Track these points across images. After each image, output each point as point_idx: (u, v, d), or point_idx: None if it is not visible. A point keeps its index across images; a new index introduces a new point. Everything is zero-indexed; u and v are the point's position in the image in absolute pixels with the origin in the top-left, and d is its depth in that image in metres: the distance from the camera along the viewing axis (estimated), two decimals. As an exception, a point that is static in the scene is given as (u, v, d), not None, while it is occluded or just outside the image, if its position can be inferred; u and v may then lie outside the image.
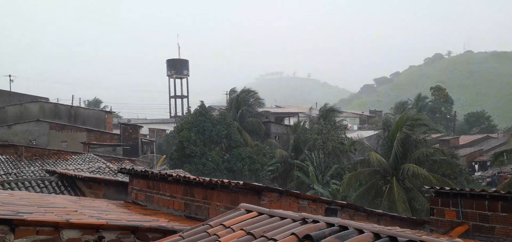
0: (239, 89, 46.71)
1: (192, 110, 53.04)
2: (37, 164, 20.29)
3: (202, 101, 35.41)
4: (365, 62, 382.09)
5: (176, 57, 78.31)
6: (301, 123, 39.39)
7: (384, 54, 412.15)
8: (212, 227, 3.91)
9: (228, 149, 32.87)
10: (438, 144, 35.49)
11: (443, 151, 25.56)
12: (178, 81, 76.96)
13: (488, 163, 39.25)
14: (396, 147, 22.39)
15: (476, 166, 42.18)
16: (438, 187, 6.26)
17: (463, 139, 50.87)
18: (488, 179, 36.20)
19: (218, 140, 32.56)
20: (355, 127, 67.39)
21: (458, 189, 6.10)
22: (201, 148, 30.94)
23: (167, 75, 77.53)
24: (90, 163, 20.23)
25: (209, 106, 41.17)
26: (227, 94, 47.85)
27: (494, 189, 7.54)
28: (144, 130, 47.48)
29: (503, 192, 5.52)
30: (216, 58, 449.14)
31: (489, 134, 55.86)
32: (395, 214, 9.53)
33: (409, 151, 23.15)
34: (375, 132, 27.00)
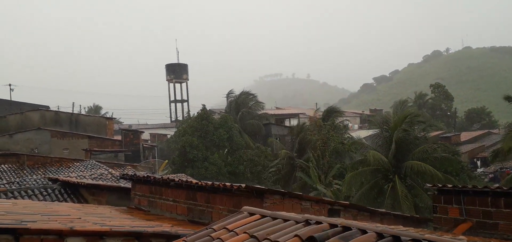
0: (238, 92, 46.82)
1: (192, 114, 53.15)
2: (39, 172, 20.26)
3: (204, 105, 35.50)
4: (364, 62, 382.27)
5: (175, 61, 78.61)
6: (304, 124, 39.42)
7: (382, 52, 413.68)
8: (216, 231, 3.91)
9: (230, 152, 32.93)
10: (439, 142, 35.49)
11: (446, 145, 25.48)
12: (177, 85, 77.08)
13: (490, 159, 39.28)
14: (396, 144, 22.35)
15: (478, 163, 42.14)
16: (440, 185, 6.26)
17: (464, 136, 50.79)
18: (490, 175, 36.16)
19: (220, 143, 32.58)
20: (356, 127, 67.30)
21: (460, 186, 6.09)
22: (203, 152, 30.96)
23: (166, 80, 77.63)
24: (92, 170, 20.21)
25: (209, 110, 41.30)
26: (226, 97, 47.96)
27: (497, 185, 7.52)
28: (145, 136, 47.51)
29: (505, 188, 5.52)
30: (215, 62, 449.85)
31: (490, 130, 55.80)
32: (398, 212, 9.52)
33: (409, 149, 23.08)
34: (375, 131, 26.94)
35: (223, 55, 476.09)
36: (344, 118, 47.88)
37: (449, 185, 6.26)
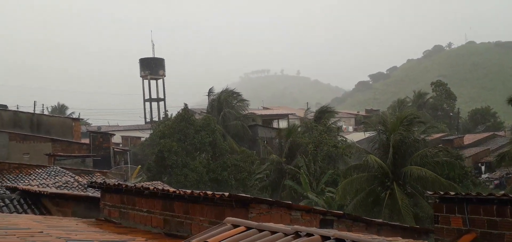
0: (221, 89, 46.69)
1: (169, 114, 52.72)
2: (-5, 180, 19.88)
3: (186, 104, 35.31)
4: (359, 57, 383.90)
5: (151, 55, 78.05)
6: (294, 126, 39.59)
7: (379, 48, 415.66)
8: (195, 245, 3.88)
9: (213, 157, 32.93)
10: (441, 145, 36.01)
11: (447, 149, 25.84)
12: (153, 82, 76.62)
13: (495, 164, 40.03)
14: (394, 148, 22.51)
15: (483, 168, 42.86)
16: (442, 192, 6.34)
17: (468, 138, 51.61)
18: (496, 182, 36.84)
19: (202, 147, 32.50)
20: (351, 129, 67.90)
21: (463, 193, 6.18)
22: (183, 157, 30.86)
23: (140, 76, 77.11)
24: (57, 178, 19.91)
25: (189, 110, 41.12)
26: (207, 95, 47.87)
27: (503, 192, 7.65)
28: (117, 138, 47.13)
29: (512, 195, 5.61)
30: (196, 56, 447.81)
31: (495, 132, 56.75)
32: (396, 223, 9.62)
33: (408, 153, 23.37)
34: (371, 134, 27.20)
35: (204, 49, 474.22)
36: (338, 119, 48.36)
37: (452, 193, 6.34)
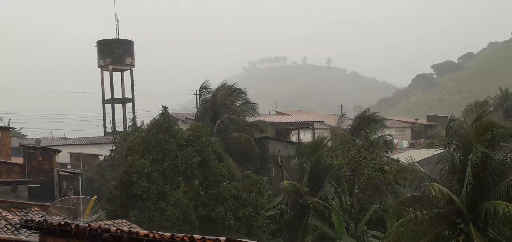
0: (216, 85, 46.45)
1: (141, 122, 52.62)
2: None
3: (165, 107, 35.26)
4: (418, 40, 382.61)
5: (114, 36, 77.55)
6: (322, 140, 39.32)
7: (447, 27, 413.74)
8: None
9: (204, 185, 32.77)
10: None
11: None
12: (117, 75, 76.32)
13: None
14: (471, 174, 22.20)
15: None
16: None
17: None
18: None
19: (187, 171, 32.42)
20: (405, 144, 67.41)
21: None
22: (160, 184, 30.85)
23: (98, 66, 76.63)
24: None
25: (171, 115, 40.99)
26: (196, 94, 47.70)
27: None
28: (63, 157, 47.07)
29: None
30: (179, 38, 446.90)
31: None
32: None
33: (491, 181, 23.08)
34: (437, 151, 27.02)
35: (192, 28, 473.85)
36: (386, 130, 48.05)
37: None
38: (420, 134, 76.87)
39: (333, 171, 34.33)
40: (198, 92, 47.62)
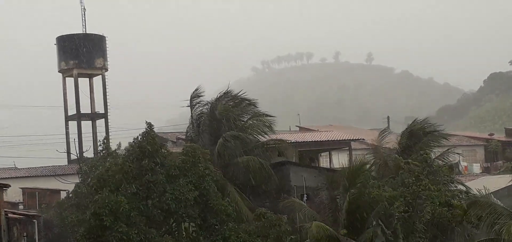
0: (215, 93, 45.76)
1: (116, 145, 52.46)
2: None
3: (149, 124, 35.10)
4: (489, 31, 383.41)
5: (79, 31, 77.50)
6: (363, 164, 38.89)
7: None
8: None
9: (203, 230, 32.51)
10: None
11: None
12: (84, 81, 75.89)
13: None
14: None
15: None
16: None
17: None
18: None
19: (180, 211, 32.22)
20: (476, 168, 66.97)
21: None
22: (143, 228, 30.31)
23: (59, 71, 76.40)
24: None
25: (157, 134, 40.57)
26: (190, 106, 47.50)
27: None
28: (13, 193, 47.03)
29: None
30: (167, 33, 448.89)
31: None
32: None
33: None
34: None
35: (185, 17, 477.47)
36: (450, 148, 47.57)
37: None
38: (497, 155, 76.21)
39: (380, 207, 33.69)
40: (191, 103, 46.76)
